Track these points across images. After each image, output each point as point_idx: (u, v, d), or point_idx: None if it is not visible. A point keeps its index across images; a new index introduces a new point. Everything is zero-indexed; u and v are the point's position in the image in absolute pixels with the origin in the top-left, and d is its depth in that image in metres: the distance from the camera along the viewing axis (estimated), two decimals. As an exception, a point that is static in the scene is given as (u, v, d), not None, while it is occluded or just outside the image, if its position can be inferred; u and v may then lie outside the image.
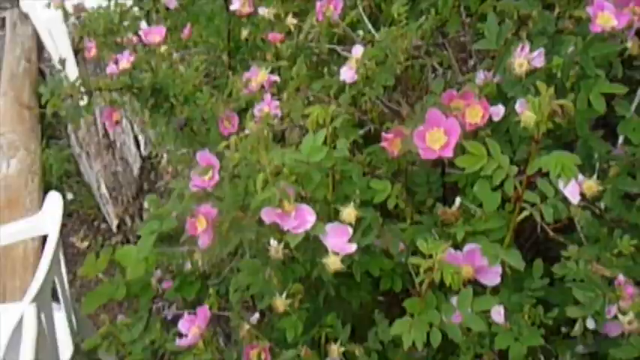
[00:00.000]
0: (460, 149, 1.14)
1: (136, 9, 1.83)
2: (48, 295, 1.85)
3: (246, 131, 1.85)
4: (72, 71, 3.16)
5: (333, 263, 1.15)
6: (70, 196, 3.19)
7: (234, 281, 1.52)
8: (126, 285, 1.98)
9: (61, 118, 3.49)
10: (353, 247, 1.17)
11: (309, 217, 1.18)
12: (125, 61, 1.53)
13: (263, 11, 1.67)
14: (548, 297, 1.21)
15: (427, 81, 1.46)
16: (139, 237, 2.59)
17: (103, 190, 2.94)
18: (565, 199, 1.14)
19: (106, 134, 2.99)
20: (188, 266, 1.91)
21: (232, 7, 1.76)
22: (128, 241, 2.87)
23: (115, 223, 2.86)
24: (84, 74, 3.25)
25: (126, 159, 2.86)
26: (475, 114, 1.14)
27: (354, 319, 1.47)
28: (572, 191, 1.14)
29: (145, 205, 2.75)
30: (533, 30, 1.21)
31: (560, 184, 1.13)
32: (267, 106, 1.51)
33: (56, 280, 1.93)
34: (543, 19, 1.20)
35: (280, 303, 1.24)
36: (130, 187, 2.80)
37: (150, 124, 1.69)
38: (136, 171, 2.74)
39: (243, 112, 1.96)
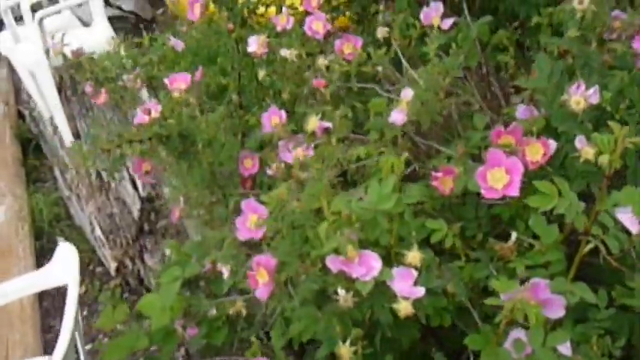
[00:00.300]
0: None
1: (153, 55, 1.79)
2: (72, 350, 1.78)
3: (269, 171, 1.85)
4: (59, 116, 3.08)
5: (404, 308, 1.12)
6: (61, 240, 3.09)
7: (278, 327, 1.48)
8: (148, 335, 1.92)
9: (45, 161, 3.42)
10: (421, 291, 1.15)
11: (374, 263, 1.16)
12: (153, 110, 1.48)
13: (285, 52, 1.65)
14: (612, 326, 1.21)
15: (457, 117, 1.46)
16: (139, 280, 2.51)
17: (98, 232, 2.85)
18: (624, 229, 1.15)
19: (99, 176, 2.91)
20: (213, 312, 1.86)
21: (249, 49, 1.74)
22: (128, 284, 2.79)
23: (113, 266, 2.77)
24: (69, 115, 3.18)
25: (123, 200, 2.78)
26: (536, 152, 1.15)
27: (402, 356, 1.45)
28: (631, 221, 1.15)
29: (148, 246, 2.69)
30: (576, 65, 1.22)
31: (620, 215, 1.14)
32: (302, 151, 1.49)
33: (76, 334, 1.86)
34: (586, 55, 1.22)
35: (345, 351, 1.21)
36: (129, 228, 2.72)
37: (175, 171, 1.64)
38: (135, 212, 2.66)
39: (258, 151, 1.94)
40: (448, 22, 1.64)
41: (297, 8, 1.98)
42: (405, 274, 1.17)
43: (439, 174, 1.27)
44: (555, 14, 1.64)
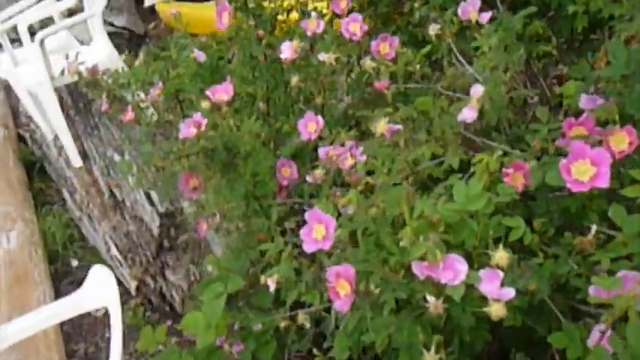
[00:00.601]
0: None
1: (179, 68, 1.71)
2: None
3: (308, 179, 1.77)
4: (65, 136, 2.97)
5: (496, 311, 1.06)
6: (74, 263, 2.98)
7: (342, 339, 1.41)
8: (192, 354, 1.84)
9: (51, 183, 3.30)
10: (512, 292, 1.09)
11: (459, 266, 1.10)
12: (200, 124, 1.40)
13: (323, 56, 1.58)
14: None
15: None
16: (161, 297, 2.38)
17: (115, 252, 2.75)
18: None
19: (112, 194, 2.81)
20: (259, 326, 1.78)
21: (283, 55, 1.67)
22: (150, 302, 2.69)
23: (133, 285, 2.67)
24: (74, 135, 3.07)
25: (140, 217, 2.68)
26: (621, 141, 1.10)
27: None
28: None
29: (170, 262, 2.59)
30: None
31: None
32: (351, 155, 1.43)
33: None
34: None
35: (431, 358, 1.15)
36: (147, 246, 2.62)
37: (216, 185, 1.56)
38: (155, 229, 2.56)
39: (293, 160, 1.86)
40: (486, 16, 1.59)
41: (320, 11, 1.92)
42: (491, 276, 1.11)
43: (510, 170, 1.21)
44: (593, 2, 1.59)
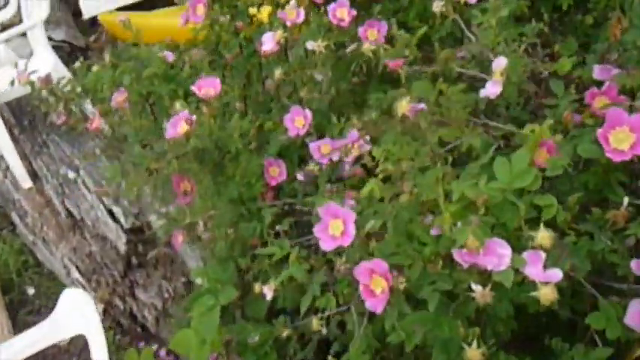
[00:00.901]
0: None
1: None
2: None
3: (299, 177, 1.65)
4: (11, 156, 2.74)
5: (546, 295, 0.97)
6: (31, 290, 2.74)
7: (363, 341, 1.29)
8: (183, 375, 1.68)
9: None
10: (559, 274, 1.00)
11: (502, 250, 1.00)
12: (185, 122, 1.26)
13: (312, 45, 1.47)
14: None
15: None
16: (132, 318, 2.18)
17: (76, 275, 2.54)
18: None
19: (70, 214, 2.59)
20: (255, 339, 1.64)
21: (264, 47, 1.54)
22: (120, 325, 2.50)
23: (100, 308, 2.46)
24: (21, 154, 2.83)
25: (102, 235, 2.48)
26: (658, 105, 1.03)
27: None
28: None
29: (140, 280, 2.41)
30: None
31: None
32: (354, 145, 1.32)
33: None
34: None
35: (475, 354, 1.04)
36: (114, 265, 2.42)
37: (206, 188, 1.42)
38: (122, 247, 2.37)
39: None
40: (475, -5, 1.52)
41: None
42: (534, 258, 1.02)
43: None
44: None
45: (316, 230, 1.16)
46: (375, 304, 1.03)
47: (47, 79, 1.95)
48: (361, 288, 1.03)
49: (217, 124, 1.33)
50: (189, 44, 1.91)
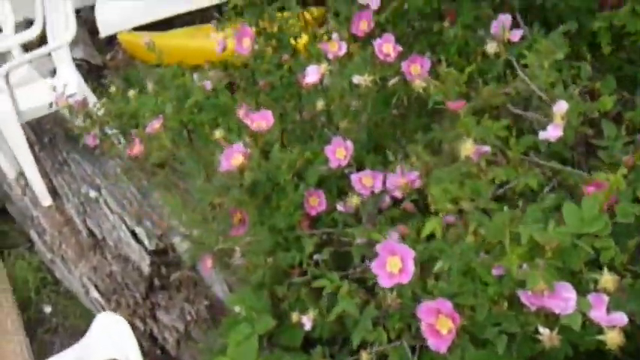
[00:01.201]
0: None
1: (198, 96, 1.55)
2: None
3: (339, 208, 1.65)
4: (33, 173, 2.72)
5: (613, 338, 0.98)
6: (47, 309, 2.71)
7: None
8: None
9: (14, 225, 3.01)
10: (624, 318, 1.01)
11: (567, 294, 1.00)
12: (241, 155, 1.26)
13: (358, 79, 1.47)
14: None
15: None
16: (152, 340, 2.14)
17: (95, 294, 2.51)
18: None
19: (91, 233, 2.58)
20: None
21: (308, 79, 1.55)
22: (140, 346, 2.47)
23: (119, 328, 2.44)
24: (42, 172, 2.82)
25: (125, 256, 2.46)
26: None
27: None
28: None
29: (162, 302, 2.39)
30: None
31: None
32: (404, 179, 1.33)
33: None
34: None
35: (536, 394, 1.04)
36: (136, 286, 2.40)
37: (255, 218, 1.41)
38: (145, 268, 2.35)
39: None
40: (517, 34, 1.54)
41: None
42: (597, 301, 1.03)
43: (591, 188, 1.14)
44: (616, 17, 1.57)
45: (374, 267, 1.16)
46: (439, 343, 1.03)
47: (84, 103, 1.95)
48: (424, 327, 1.03)
49: (273, 157, 1.33)
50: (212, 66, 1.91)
